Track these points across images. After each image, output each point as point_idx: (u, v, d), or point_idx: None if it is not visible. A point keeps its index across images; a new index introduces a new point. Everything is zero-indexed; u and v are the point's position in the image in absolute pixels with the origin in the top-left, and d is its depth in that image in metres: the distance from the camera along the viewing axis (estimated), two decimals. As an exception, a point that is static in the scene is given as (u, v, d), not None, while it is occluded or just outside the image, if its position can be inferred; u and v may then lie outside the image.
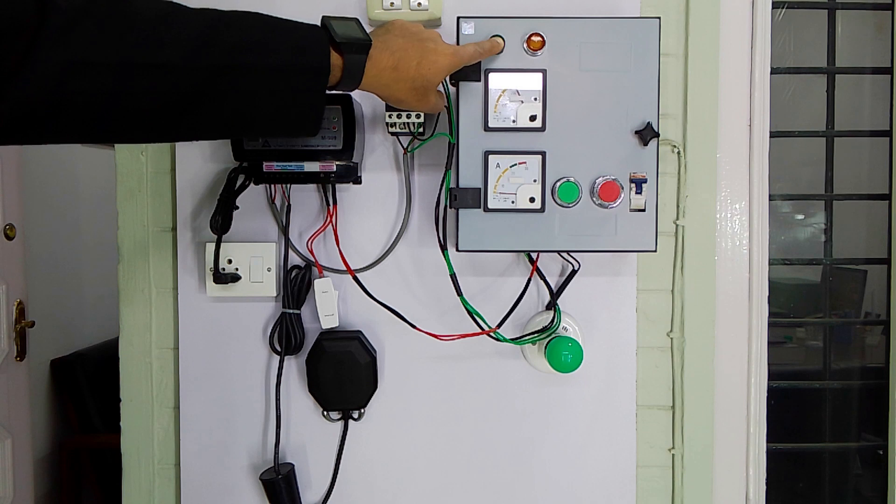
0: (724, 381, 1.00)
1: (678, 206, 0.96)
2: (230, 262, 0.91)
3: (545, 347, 0.84)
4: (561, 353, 0.81)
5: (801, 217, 1.16)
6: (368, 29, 0.70)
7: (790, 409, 1.12)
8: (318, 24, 0.67)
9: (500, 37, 0.80)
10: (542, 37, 0.80)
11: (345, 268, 0.90)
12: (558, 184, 0.81)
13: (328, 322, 0.90)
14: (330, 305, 0.90)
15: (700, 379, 0.97)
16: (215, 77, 0.59)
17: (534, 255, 0.91)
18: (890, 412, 1.09)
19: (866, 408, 1.14)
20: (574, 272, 0.92)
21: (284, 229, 0.91)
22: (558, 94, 0.81)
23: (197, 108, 0.60)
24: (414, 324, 0.89)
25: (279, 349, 0.91)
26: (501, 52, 0.80)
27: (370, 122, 0.91)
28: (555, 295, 0.92)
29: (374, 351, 0.92)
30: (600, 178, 0.81)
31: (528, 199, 0.81)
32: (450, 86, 0.82)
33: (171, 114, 0.59)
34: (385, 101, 0.74)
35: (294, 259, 0.92)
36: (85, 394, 2.26)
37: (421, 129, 0.86)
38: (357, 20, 0.69)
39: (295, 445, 0.95)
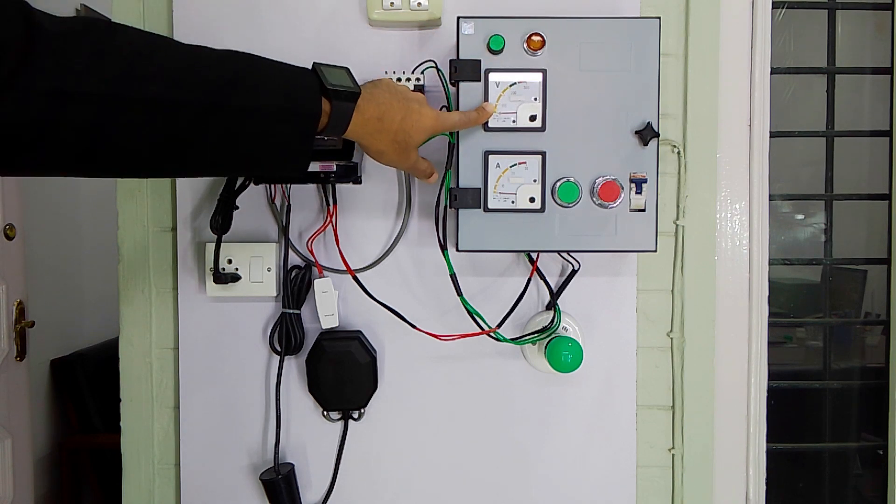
0: (724, 381, 1.00)
1: (678, 206, 0.96)
2: (230, 262, 0.91)
3: (545, 347, 0.84)
4: (561, 353, 0.81)
5: (801, 217, 1.16)
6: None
7: (790, 409, 1.12)
8: (310, 67, 0.67)
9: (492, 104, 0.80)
10: (542, 37, 0.80)
11: (345, 268, 0.90)
12: (558, 184, 0.81)
13: (328, 322, 0.90)
14: (330, 305, 0.90)
15: (700, 379, 0.97)
16: (202, 115, 0.58)
17: (534, 255, 0.91)
18: (890, 412, 1.09)
19: (866, 408, 1.14)
20: (574, 272, 0.92)
21: (284, 229, 0.91)
22: (558, 94, 0.81)
23: (183, 145, 0.59)
24: (414, 324, 0.89)
25: (279, 349, 0.91)
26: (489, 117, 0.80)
27: (370, 122, 0.91)
28: (555, 295, 0.92)
29: (374, 351, 0.92)
30: (600, 178, 0.81)
31: (528, 199, 0.81)
32: (450, 86, 0.82)
33: (156, 150, 0.58)
34: (366, 151, 0.74)
35: (294, 259, 0.92)
36: (85, 394, 2.26)
37: (421, 129, 0.86)
38: (347, 69, 0.70)
39: (295, 445, 0.95)
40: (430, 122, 0.74)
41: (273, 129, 0.62)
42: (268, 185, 0.91)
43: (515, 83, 0.80)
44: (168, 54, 0.58)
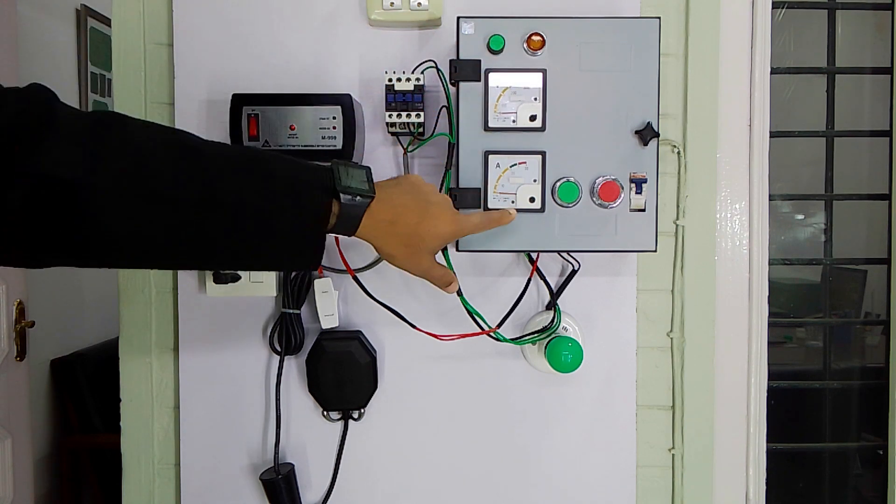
0: (724, 381, 1.00)
1: (678, 206, 0.96)
2: (230, 262, 0.90)
3: (545, 347, 0.84)
4: (561, 353, 0.81)
5: (801, 217, 1.16)
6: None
7: (790, 409, 1.12)
8: (329, 163, 0.66)
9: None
10: (542, 37, 0.80)
11: (345, 268, 0.90)
12: (558, 184, 0.81)
13: (328, 322, 0.90)
14: (330, 305, 0.90)
15: (700, 379, 0.97)
16: (206, 213, 0.58)
17: (534, 255, 0.91)
18: (890, 412, 1.09)
19: (866, 408, 1.14)
20: (574, 272, 0.92)
21: (284, 229, 0.91)
22: (558, 94, 0.81)
23: (190, 240, 0.59)
24: (414, 324, 0.89)
25: (279, 349, 0.91)
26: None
27: (370, 122, 0.91)
28: (555, 295, 0.92)
29: (374, 351, 0.92)
30: (600, 178, 0.81)
31: (528, 198, 0.81)
32: (450, 86, 0.82)
33: (159, 245, 0.58)
34: (378, 251, 0.71)
35: (294, 259, 0.92)
36: (85, 394, 2.26)
37: (421, 130, 0.86)
38: (368, 169, 0.68)
39: (295, 445, 0.95)
40: (447, 227, 0.71)
41: (279, 228, 0.61)
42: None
43: (515, 83, 0.80)
44: (177, 152, 0.58)
